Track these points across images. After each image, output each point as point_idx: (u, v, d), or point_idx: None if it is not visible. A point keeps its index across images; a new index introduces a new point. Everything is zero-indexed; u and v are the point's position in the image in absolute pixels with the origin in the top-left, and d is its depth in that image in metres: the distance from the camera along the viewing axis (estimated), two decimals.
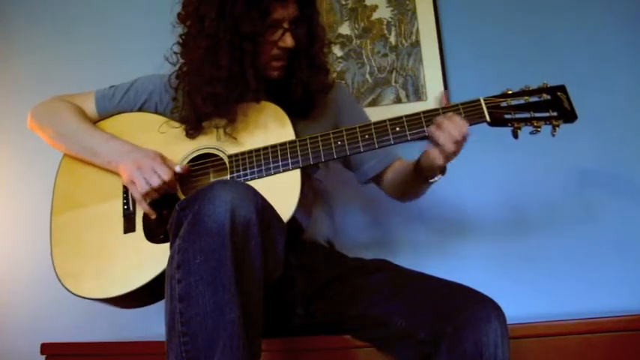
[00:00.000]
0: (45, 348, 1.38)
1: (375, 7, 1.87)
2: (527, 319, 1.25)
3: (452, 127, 1.13)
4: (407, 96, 1.80)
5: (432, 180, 1.24)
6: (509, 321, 1.02)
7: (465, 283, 1.10)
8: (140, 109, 1.40)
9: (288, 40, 1.25)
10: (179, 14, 1.31)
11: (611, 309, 1.49)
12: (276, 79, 1.30)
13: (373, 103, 1.81)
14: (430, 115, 1.17)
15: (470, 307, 1.02)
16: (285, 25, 1.25)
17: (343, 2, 1.89)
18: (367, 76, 1.83)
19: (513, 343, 1.03)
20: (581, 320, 1.23)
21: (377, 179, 1.45)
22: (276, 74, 1.30)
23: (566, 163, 1.69)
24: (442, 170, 1.22)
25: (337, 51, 1.85)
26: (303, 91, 1.30)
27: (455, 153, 1.15)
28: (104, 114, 1.41)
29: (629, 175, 1.66)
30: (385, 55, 1.84)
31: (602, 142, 1.68)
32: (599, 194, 1.66)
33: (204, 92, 1.24)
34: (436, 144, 1.15)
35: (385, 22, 1.85)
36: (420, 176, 1.25)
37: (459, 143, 1.14)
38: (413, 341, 1.05)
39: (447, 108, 1.17)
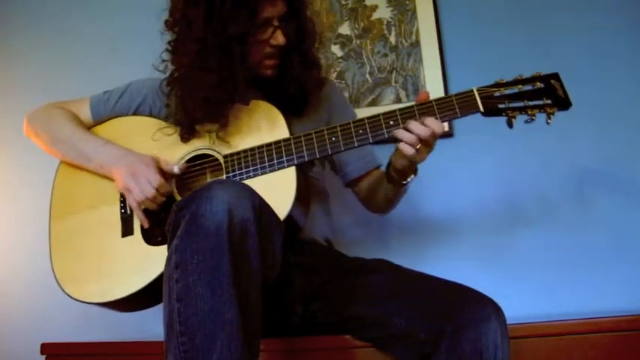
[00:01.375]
0: (45, 348, 1.38)
1: (375, 7, 1.87)
2: (527, 319, 1.25)
3: (416, 127, 1.13)
4: (407, 96, 1.80)
5: (404, 182, 1.24)
6: (509, 321, 1.02)
7: (464, 283, 1.10)
8: (135, 113, 1.40)
9: (280, 38, 1.25)
10: (166, 21, 1.30)
11: (611, 309, 1.48)
12: (270, 77, 1.31)
13: (373, 103, 1.81)
14: (423, 108, 1.16)
15: (470, 307, 1.02)
16: (275, 23, 1.25)
17: (343, 2, 1.89)
18: (367, 76, 1.83)
19: (513, 343, 1.03)
20: (581, 320, 1.22)
21: (355, 183, 1.45)
22: (270, 72, 1.30)
23: (564, 162, 1.68)
24: (414, 171, 1.23)
25: (337, 51, 1.85)
26: (297, 88, 1.30)
27: (419, 155, 1.15)
28: (99, 119, 1.41)
29: (628, 174, 1.66)
30: (385, 55, 1.83)
31: (601, 140, 1.68)
32: (598, 193, 1.66)
33: (195, 97, 1.24)
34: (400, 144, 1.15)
35: (385, 22, 1.85)
36: (390, 179, 1.26)
37: (421, 144, 1.14)
38: (413, 341, 1.05)
39: (441, 99, 1.17)
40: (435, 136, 1.14)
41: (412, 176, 1.23)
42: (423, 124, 1.14)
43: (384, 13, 1.86)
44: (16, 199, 1.94)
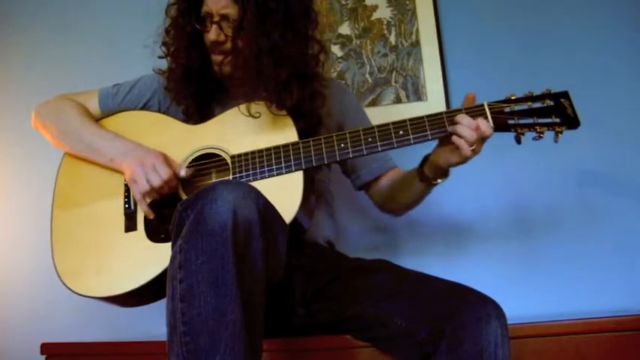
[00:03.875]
0: (45, 348, 1.38)
1: (375, 7, 1.87)
2: (527, 319, 1.25)
3: (471, 128, 1.13)
4: (407, 96, 1.80)
5: (435, 182, 1.24)
6: (509, 321, 1.02)
7: (465, 283, 1.10)
8: (143, 108, 1.41)
9: (209, 35, 1.25)
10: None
11: (611, 309, 1.49)
12: (225, 74, 1.30)
13: (373, 103, 1.82)
14: (434, 120, 1.17)
15: (470, 307, 1.02)
16: (215, 19, 1.24)
17: (343, 2, 1.89)
18: (367, 76, 1.83)
19: (514, 343, 1.03)
20: (581, 320, 1.23)
21: (369, 186, 1.44)
22: (219, 69, 1.30)
23: (566, 164, 1.68)
24: (446, 173, 1.23)
25: (337, 51, 1.85)
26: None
27: (473, 153, 1.15)
28: (107, 112, 1.41)
29: (629, 176, 1.66)
30: (385, 55, 1.84)
31: (603, 143, 1.68)
32: (599, 195, 1.66)
33: (177, 87, 1.33)
34: (456, 142, 1.14)
35: (385, 22, 1.85)
36: (424, 179, 1.25)
37: (478, 144, 1.14)
38: (413, 341, 1.05)
39: (450, 112, 1.17)
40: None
41: (443, 178, 1.24)
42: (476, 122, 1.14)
43: (384, 13, 1.86)
44: (16, 200, 1.94)
